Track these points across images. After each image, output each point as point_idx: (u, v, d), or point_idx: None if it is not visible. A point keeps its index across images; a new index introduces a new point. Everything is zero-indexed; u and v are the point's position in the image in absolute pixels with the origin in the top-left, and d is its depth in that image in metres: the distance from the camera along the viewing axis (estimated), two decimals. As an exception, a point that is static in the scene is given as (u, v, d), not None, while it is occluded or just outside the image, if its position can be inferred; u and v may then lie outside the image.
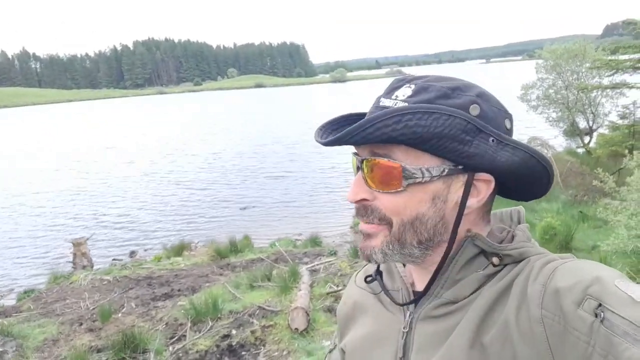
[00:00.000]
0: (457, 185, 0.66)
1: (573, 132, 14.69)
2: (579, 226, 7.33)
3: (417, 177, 0.64)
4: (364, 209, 0.68)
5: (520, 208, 0.77)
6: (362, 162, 0.67)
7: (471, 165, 0.65)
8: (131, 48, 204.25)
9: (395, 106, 0.65)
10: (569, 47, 13.49)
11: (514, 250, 0.66)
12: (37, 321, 6.08)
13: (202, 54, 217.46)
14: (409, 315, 0.72)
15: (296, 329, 4.95)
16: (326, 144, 0.68)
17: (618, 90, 12.46)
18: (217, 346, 5.00)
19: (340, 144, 0.65)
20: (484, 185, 0.67)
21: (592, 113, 13.77)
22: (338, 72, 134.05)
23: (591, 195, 9.14)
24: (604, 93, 13.16)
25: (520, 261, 0.66)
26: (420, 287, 0.73)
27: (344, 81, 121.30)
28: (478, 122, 0.63)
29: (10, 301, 7.80)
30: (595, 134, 14.22)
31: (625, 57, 10.88)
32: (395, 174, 0.64)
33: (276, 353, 4.72)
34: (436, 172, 0.64)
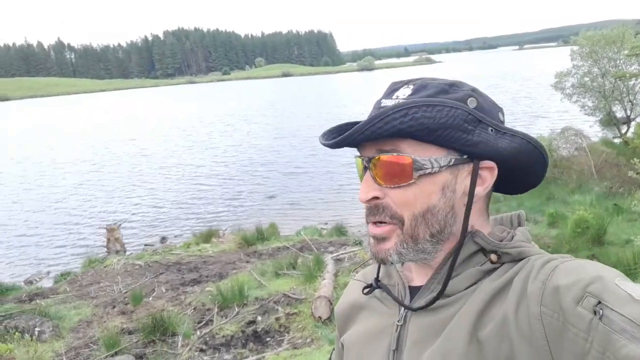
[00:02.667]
0: (464, 175, 0.69)
1: (609, 121, 14.16)
2: (612, 219, 7.10)
3: (427, 168, 0.66)
4: (375, 207, 0.69)
5: (520, 212, 0.77)
6: (369, 161, 0.68)
7: (476, 154, 0.67)
8: (162, 38, 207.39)
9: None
10: (606, 33, 12.94)
11: (512, 248, 0.67)
12: (73, 303, 6.35)
13: (230, 44, 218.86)
14: (404, 309, 0.73)
15: (319, 317, 5.01)
16: (334, 144, 0.69)
17: (659, 78, 11.93)
18: (243, 332, 5.12)
19: (348, 143, 0.67)
20: (488, 173, 0.70)
21: (630, 102, 13.22)
22: (366, 60, 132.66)
23: (627, 187, 8.82)
24: (644, 81, 12.62)
25: (519, 260, 0.67)
26: (418, 282, 0.75)
27: (371, 69, 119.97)
28: (477, 113, 0.67)
29: (48, 283, 8.16)
30: (633, 123, 13.66)
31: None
32: (405, 167, 0.66)
33: (299, 340, 4.79)
34: (444, 162, 0.67)
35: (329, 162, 17.19)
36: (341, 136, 0.67)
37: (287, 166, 17.50)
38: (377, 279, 0.80)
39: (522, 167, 0.73)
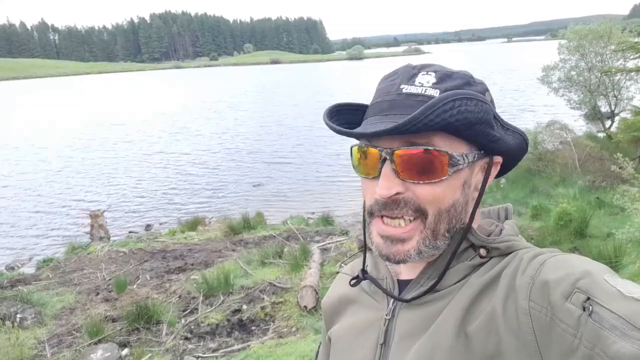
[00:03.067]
0: (477, 170, 0.69)
1: (594, 115, 14.33)
2: (595, 213, 7.22)
3: (460, 164, 0.65)
4: (394, 202, 0.65)
5: (508, 205, 0.77)
6: (391, 153, 0.64)
7: (494, 149, 0.68)
8: (148, 21, 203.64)
9: (425, 92, 0.64)
10: (594, 28, 13.04)
11: (501, 243, 0.67)
12: (55, 290, 6.28)
13: (218, 29, 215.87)
14: (393, 302, 0.73)
15: (305, 306, 5.03)
16: (378, 134, 0.62)
17: (643, 74, 12.08)
18: (228, 320, 5.12)
19: (397, 133, 0.61)
20: (495, 167, 0.71)
21: (615, 97, 13.39)
22: (355, 49, 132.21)
23: (609, 181, 8.97)
24: (629, 76, 12.78)
25: (507, 254, 0.67)
26: (406, 276, 0.74)
27: (360, 58, 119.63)
28: (494, 108, 0.67)
29: (30, 269, 8.04)
30: (617, 118, 13.86)
31: (653, 39, 10.50)
32: (442, 162, 0.63)
33: (285, 329, 4.81)
34: (471, 158, 0.66)
35: (316, 152, 17.16)
36: (392, 127, 0.60)
37: (273, 155, 17.43)
38: (363, 270, 0.79)
39: (515, 160, 0.75)
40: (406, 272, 0.74)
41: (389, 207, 0.65)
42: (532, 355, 0.56)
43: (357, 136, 0.67)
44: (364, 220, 0.80)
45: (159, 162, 17.32)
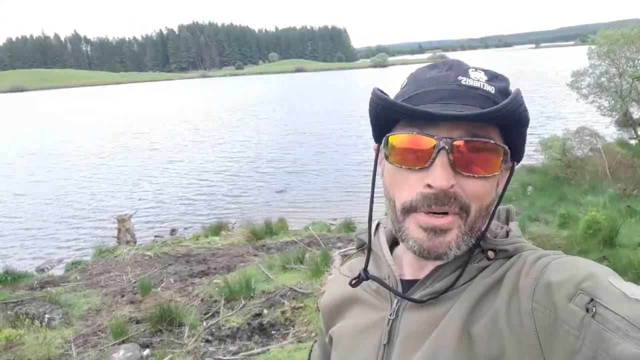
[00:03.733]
0: (503, 172, 0.70)
1: (625, 122, 13.94)
2: (625, 221, 6.99)
3: (508, 162, 0.67)
4: (446, 197, 0.62)
5: (509, 207, 0.76)
6: (450, 143, 0.62)
7: (517, 154, 0.69)
8: (176, 32, 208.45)
9: (484, 87, 0.65)
10: (625, 32, 12.71)
11: (509, 245, 0.67)
12: (83, 291, 6.44)
13: (244, 38, 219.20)
14: (397, 302, 0.72)
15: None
16: (462, 117, 0.61)
17: (678, 79, 11.69)
18: (249, 324, 5.14)
19: (478, 120, 0.61)
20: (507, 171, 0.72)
21: (648, 103, 13.00)
22: (379, 56, 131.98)
23: (641, 189, 8.69)
24: (662, 82, 12.38)
25: (512, 256, 0.66)
26: (409, 277, 0.73)
27: (385, 66, 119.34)
28: None
29: (59, 272, 8.28)
30: (650, 125, 13.43)
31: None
32: (498, 157, 0.64)
33: (304, 334, 4.80)
34: (509, 158, 0.67)
35: (338, 160, 17.17)
36: (484, 111, 0.60)
37: (296, 163, 17.52)
38: (365, 270, 0.77)
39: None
40: (410, 272, 0.74)
41: (440, 200, 0.62)
42: (536, 356, 0.55)
43: (425, 117, 0.62)
44: (370, 218, 0.80)
45: (183, 169, 17.64)
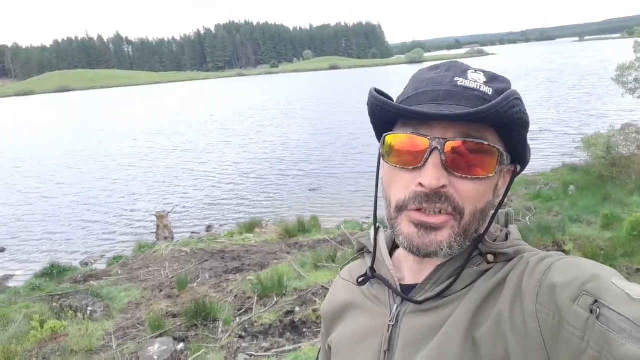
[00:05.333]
0: (504, 174, 0.69)
1: (676, 118, 13.21)
2: (674, 223, 6.64)
3: (504, 164, 0.65)
4: (436, 196, 0.63)
5: (509, 210, 0.75)
6: (443, 144, 0.62)
7: (520, 157, 0.68)
8: (213, 32, 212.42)
9: (480, 88, 0.65)
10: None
11: (509, 248, 0.67)
12: (123, 285, 6.69)
13: (279, 36, 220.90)
14: (396, 308, 0.71)
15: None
16: (446, 117, 0.61)
17: None
18: (281, 321, 5.21)
19: (468, 119, 0.61)
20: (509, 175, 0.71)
21: (701, 97, 12.28)
22: (415, 52, 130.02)
23: (693, 189, 8.22)
24: None
25: (512, 258, 0.66)
26: (410, 281, 0.73)
27: (420, 62, 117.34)
28: None
29: (101, 266, 8.63)
30: (703, 120, 12.68)
31: None
32: (492, 159, 0.63)
33: (336, 332, 4.82)
34: (508, 161, 0.67)
35: (371, 159, 17.06)
36: (471, 111, 0.60)
37: (329, 161, 17.54)
38: (372, 268, 0.77)
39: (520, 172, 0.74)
40: (410, 276, 0.73)
41: (431, 200, 0.62)
42: (540, 358, 0.55)
43: (416, 116, 0.63)
44: (375, 217, 0.81)
45: (219, 167, 17.99)
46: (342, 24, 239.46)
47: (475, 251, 0.68)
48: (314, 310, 5.31)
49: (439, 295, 0.67)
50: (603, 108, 21.61)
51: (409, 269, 0.74)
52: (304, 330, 5.03)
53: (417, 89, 0.69)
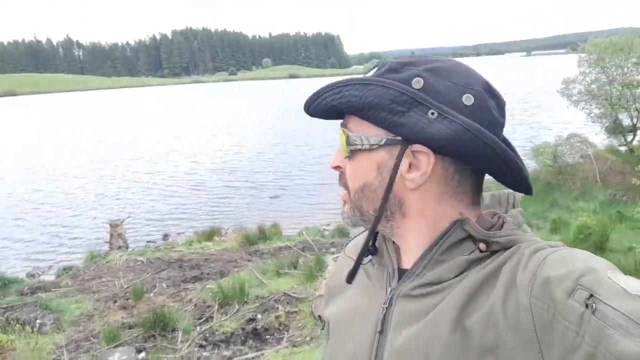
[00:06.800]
0: (390, 152, 0.68)
1: (615, 129, 14.10)
2: (615, 227, 7.08)
3: (356, 144, 0.69)
4: (340, 176, 0.74)
5: (515, 193, 0.74)
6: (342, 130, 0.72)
7: (403, 136, 0.65)
8: (169, 37, 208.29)
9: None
10: (614, 40, 12.92)
11: (502, 237, 0.64)
12: (74, 297, 6.39)
13: (237, 44, 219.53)
14: (390, 291, 0.72)
15: (319, 316, 5.01)
16: (309, 113, 0.74)
17: (666, 87, 11.87)
18: (243, 329, 5.13)
19: (313, 115, 0.74)
20: (425, 158, 0.66)
21: (637, 110, 13.15)
22: (372, 63, 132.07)
23: (631, 195, 8.79)
24: (650, 89, 12.56)
25: (508, 248, 0.64)
26: (407, 265, 0.73)
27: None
28: (417, 94, 0.63)
29: (50, 277, 8.20)
30: (639, 132, 13.61)
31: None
32: (345, 141, 0.70)
33: (299, 339, 4.80)
34: (374, 141, 0.67)
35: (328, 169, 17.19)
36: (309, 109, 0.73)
37: (290, 168, 17.54)
38: (374, 245, 0.77)
39: (464, 157, 0.66)
40: (408, 261, 0.73)
41: (339, 179, 0.75)
42: (532, 351, 0.55)
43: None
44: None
45: (174, 176, 17.57)
46: (302, 33, 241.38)
47: (462, 233, 0.66)
48: (277, 317, 5.27)
49: (422, 286, 0.67)
50: (549, 120, 22.80)
51: (407, 255, 0.73)
52: (267, 337, 4.98)
53: None
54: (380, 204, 0.69)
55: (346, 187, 0.73)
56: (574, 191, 10.18)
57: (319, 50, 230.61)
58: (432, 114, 0.63)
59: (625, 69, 12.83)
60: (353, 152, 0.70)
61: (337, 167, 0.74)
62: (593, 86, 13.38)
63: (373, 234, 0.75)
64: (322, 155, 18.80)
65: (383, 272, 0.76)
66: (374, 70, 0.72)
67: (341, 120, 0.75)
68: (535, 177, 11.72)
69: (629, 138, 13.76)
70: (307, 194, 13.94)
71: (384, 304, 0.71)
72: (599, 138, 14.47)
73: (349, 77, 0.70)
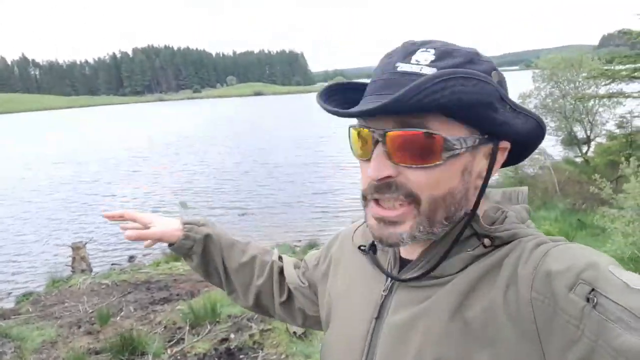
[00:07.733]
0: (480, 155, 0.65)
1: (571, 141, 14.76)
2: (577, 234, 7.37)
3: (456, 149, 0.61)
4: (385, 186, 0.63)
5: (523, 189, 0.75)
6: (383, 135, 0.62)
7: (498, 134, 0.64)
8: (130, 55, 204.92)
9: (421, 71, 0.60)
10: (566, 56, 13.61)
11: (504, 232, 0.65)
12: (36, 324, 6.07)
13: (201, 62, 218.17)
14: (390, 280, 0.73)
15: (294, 332, 4.96)
16: (363, 114, 0.60)
17: (615, 100, 12.55)
18: (216, 349, 4.99)
19: (383, 112, 0.59)
20: (502, 153, 0.67)
21: (590, 122, 13.84)
22: (336, 80, 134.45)
23: (589, 203, 9.20)
24: (601, 102, 13.22)
25: (510, 242, 0.64)
26: (408, 256, 0.73)
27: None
28: (501, 89, 0.62)
29: (9, 304, 7.78)
30: (593, 143, 14.30)
31: (622, 67, 10.97)
32: (435, 146, 0.60)
33: (274, 357, 4.72)
34: (470, 143, 0.62)
35: (302, 183, 17.21)
36: (379, 105, 0.57)
37: (260, 185, 17.42)
38: (372, 244, 0.79)
39: (528, 146, 0.70)
40: (409, 251, 0.73)
41: (380, 190, 0.63)
42: (533, 344, 0.55)
43: (343, 116, 0.63)
44: None
45: (137, 195, 17.12)
46: (266, 51, 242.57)
47: (468, 230, 0.66)
48: (251, 336, 5.17)
49: (424, 275, 0.67)
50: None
51: (409, 245, 0.72)
52: (241, 356, 4.86)
53: (372, 77, 0.68)
54: (472, 208, 0.65)
55: (410, 196, 0.62)
56: (535, 201, 10.55)
57: (284, 68, 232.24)
58: (509, 109, 0.63)
59: (577, 83, 13.51)
60: (447, 158, 0.61)
61: (386, 177, 0.63)
62: (548, 100, 14.00)
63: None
64: (288, 174, 18.80)
65: (384, 259, 0.77)
66: (423, 54, 0.62)
67: (354, 120, 0.66)
68: (497, 188, 12.08)
69: (584, 149, 14.43)
70: (277, 211, 13.86)
71: (383, 291, 0.72)
72: (555, 150, 15.11)
73: (449, 70, 0.57)
